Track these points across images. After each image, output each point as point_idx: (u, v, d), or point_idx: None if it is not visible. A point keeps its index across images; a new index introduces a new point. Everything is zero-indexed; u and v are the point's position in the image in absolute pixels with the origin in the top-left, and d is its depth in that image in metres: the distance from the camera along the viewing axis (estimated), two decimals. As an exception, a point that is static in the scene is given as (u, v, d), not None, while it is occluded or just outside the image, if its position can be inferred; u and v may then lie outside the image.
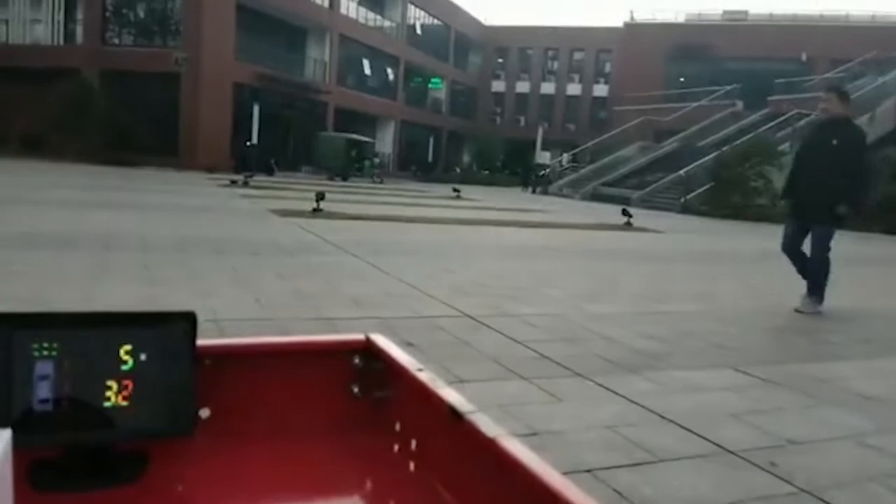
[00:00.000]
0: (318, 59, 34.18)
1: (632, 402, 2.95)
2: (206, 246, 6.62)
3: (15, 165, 18.66)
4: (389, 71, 40.25)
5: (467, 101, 50.10)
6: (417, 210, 14.33)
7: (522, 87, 50.48)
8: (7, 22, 29.70)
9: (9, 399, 0.58)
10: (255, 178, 20.22)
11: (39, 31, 29.46)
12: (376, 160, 33.42)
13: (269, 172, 25.33)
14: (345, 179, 28.30)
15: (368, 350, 0.77)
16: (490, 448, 0.55)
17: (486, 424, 0.58)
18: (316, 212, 10.90)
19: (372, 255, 6.86)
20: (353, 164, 30.55)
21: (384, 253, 7.13)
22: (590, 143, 36.69)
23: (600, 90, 47.93)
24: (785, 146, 21.72)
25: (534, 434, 2.49)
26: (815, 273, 5.38)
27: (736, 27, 40.61)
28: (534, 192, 31.87)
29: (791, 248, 5.48)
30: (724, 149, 23.34)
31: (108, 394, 0.61)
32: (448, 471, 0.64)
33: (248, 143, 27.26)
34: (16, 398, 0.58)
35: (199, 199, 12.90)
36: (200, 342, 0.66)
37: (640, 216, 15.85)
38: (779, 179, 20.37)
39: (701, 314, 5.18)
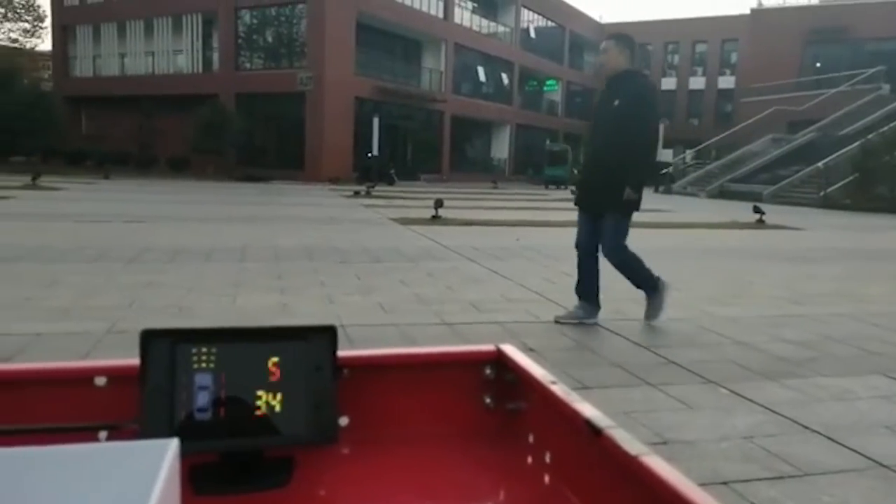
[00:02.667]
0: (434, 69, 34.83)
1: (770, 410, 2.77)
2: (332, 255, 6.90)
3: (162, 185, 20.36)
4: (504, 76, 40.29)
5: (583, 102, 49.21)
6: (534, 213, 14.23)
7: (641, 83, 48.93)
8: (153, 54, 32.53)
9: (172, 408, 0.63)
10: (377, 187, 20.88)
11: (181, 61, 32.04)
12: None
13: (390, 182, 26.08)
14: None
15: (500, 361, 0.78)
16: (632, 466, 0.53)
17: (627, 441, 0.56)
18: (434, 219, 11.10)
19: (490, 259, 6.88)
20: None
21: (502, 257, 7.13)
22: (715, 139, 34.96)
23: (726, 82, 45.57)
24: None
25: (663, 443, 2.39)
26: (630, 277, 4.30)
27: (879, 5, 37.25)
28: (656, 191, 30.77)
29: (579, 244, 4.33)
30: (870, 136, 21.46)
31: (259, 403, 0.65)
32: (585, 486, 0.62)
33: (369, 155, 28.23)
34: (178, 407, 0.64)
35: (324, 210, 13.49)
36: (340, 353, 0.70)
37: (773, 213, 14.89)
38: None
39: (847, 317, 4.78)
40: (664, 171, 32.66)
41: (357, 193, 18.81)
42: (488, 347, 0.79)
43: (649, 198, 24.67)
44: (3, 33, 40.46)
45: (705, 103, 46.44)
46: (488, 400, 0.78)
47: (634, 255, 4.26)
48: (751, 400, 2.89)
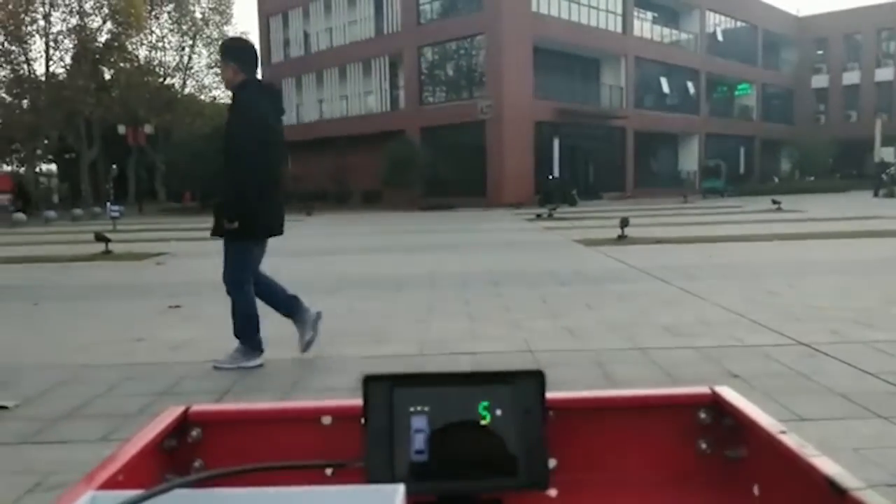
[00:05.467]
0: (614, 86, 34.11)
1: None
2: (517, 279, 6.93)
3: (355, 218, 21.89)
4: (689, 85, 38.39)
5: (782, 104, 45.42)
6: (730, 228, 13.29)
7: (850, 77, 44.13)
8: (347, 97, 35.30)
9: (392, 450, 0.67)
10: (559, 209, 20.77)
11: (371, 102, 34.40)
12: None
13: (572, 203, 25.83)
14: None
15: (715, 404, 0.74)
16: None
17: None
18: (621, 238, 10.77)
19: (682, 279, 6.52)
20: None
21: (695, 276, 6.72)
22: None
23: (958, 66, 39.69)
24: None
25: (902, 486, 2.08)
26: (234, 318, 3.79)
27: None
28: (875, 195, 27.42)
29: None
30: None
31: (471, 446, 0.67)
32: None
33: (550, 177, 28.24)
34: (397, 449, 0.67)
35: (507, 234, 13.65)
36: (547, 395, 0.70)
37: None
38: None
39: None
40: (887, 171, 29.03)
41: (539, 216, 18.83)
42: (702, 389, 0.75)
43: (867, 205, 22.09)
44: (222, 91, 46.02)
45: (933, 92, 40.75)
46: (704, 445, 0.73)
47: (252, 303, 3.83)
48: None
